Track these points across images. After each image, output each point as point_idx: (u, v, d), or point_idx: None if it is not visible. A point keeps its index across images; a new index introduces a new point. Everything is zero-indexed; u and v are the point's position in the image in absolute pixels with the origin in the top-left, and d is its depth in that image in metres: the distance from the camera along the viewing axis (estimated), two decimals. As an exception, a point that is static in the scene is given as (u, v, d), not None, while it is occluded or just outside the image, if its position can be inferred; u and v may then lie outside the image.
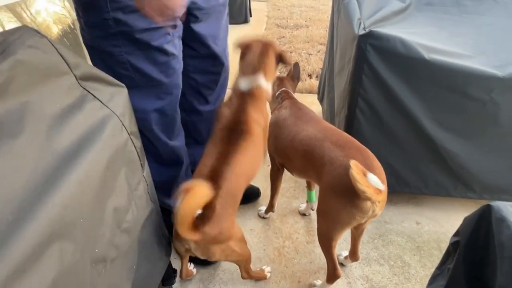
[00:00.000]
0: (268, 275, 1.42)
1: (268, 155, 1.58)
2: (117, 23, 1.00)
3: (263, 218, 1.72)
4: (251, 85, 1.21)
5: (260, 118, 1.22)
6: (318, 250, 1.54)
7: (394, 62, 1.41)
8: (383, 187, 1.06)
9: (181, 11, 1.05)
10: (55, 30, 2.18)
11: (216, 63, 1.40)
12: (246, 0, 4.96)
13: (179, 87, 1.23)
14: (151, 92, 1.15)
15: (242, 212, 1.74)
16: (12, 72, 0.59)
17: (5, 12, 1.75)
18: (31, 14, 1.94)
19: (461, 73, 1.39)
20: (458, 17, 1.73)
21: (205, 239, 0.97)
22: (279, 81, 1.64)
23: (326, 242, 1.23)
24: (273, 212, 1.70)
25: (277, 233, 1.64)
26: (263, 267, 1.44)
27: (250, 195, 1.80)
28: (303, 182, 1.92)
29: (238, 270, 1.35)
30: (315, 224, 1.49)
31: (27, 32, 0.67)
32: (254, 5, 5.65)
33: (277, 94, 1.58)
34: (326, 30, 4.61)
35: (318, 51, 3.91)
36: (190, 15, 1.21)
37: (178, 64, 1.19)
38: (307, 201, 1.73)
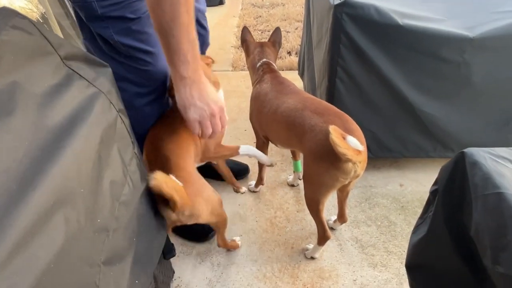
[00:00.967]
0: (239, 243, 1.50)
1: (253, 130, 1.62)
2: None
3: (254, 192, 1.77)
4: None
5: None
6: (308, 218, 1.60)
7: (370, 30, 1.45)
8: (362, 148, 1.12)
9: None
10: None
11: None
12: (220, -19, 4.90)
13: None
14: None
15: (232, 188, 1.78)
16: (-2, 52, 0.60)
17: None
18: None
19: (434, 36, 1.44)
20: (429, -17, 1.78)
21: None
22: (260, 48, 1.62)
23: (314, 206, 1.29)
24: (262, 185, 1.76)
25: (268, 205, 1.69)
26: (234, 238, 1.51)
27: (240, 172, 1.84)
28: (289, 155, 1.97)
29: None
30: (303, 194, 1.55)
31: (8, 13, 0.68)
32: (228, -14, 5.57)
33: (258, 65, 1.58)
34: (302, 7, 4.60)
35: (296, 28, 3.92)
36: None
37: None
38: (294, 171, 1.78)
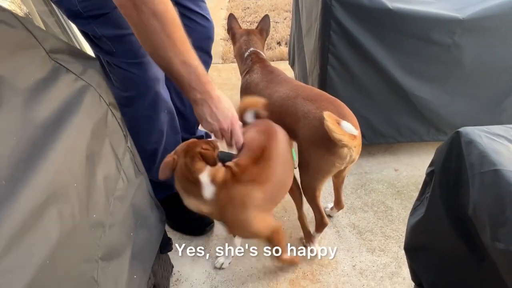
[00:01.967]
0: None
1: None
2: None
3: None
4: None
5: None
6: (306, 206, 1.60)
7: (360, 15, 1.44)
8: (357, 132, 1.12)
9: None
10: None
11: None
12: (206, -27, 4.83)
13: None
14: None
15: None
16: (-19, 46, 0.58)
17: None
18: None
19: (424, 19, 1.43)
20: (417, -34, 1.77)
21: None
22: (246, 36, 1.57)
23: (311, 193, 1.29)
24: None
25: (265, 195, 1.69)
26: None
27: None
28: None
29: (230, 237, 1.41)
30: (299, 182, 1.55)
31: (-12, 6, 0.65)
32: (214, -22, 5.50)
33: (246, 55, 1.54)
34: (290, -3, 4.57)
35: (285, 19, 3.89)
36: None
37: None
38: None
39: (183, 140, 1.58)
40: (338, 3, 1.42)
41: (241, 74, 1.57)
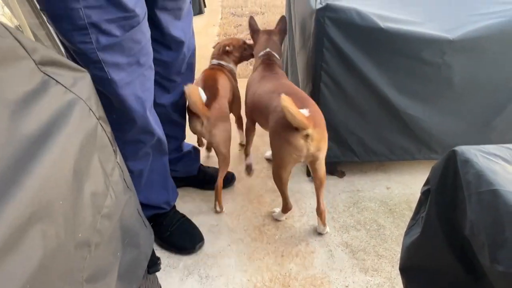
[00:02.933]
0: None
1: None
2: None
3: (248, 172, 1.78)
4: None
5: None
6: (298, 224, 1.58)
7: (352, 33, 1.45)
8: (308, 114, 1.25)
9: None
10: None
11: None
12: (199, -10, 4.89)
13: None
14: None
15: (219, 197, 1.74)
16: (-34, 56, 0.56)
17: None
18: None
19: (415, 39, 1.45)
20: (407, -12, 1.80)
21: (212, 114, 1.46)
22: (267, 36, 1.72)
23: (277, 180, 1.44)
24: (247, 155, 1.77)
25: (256, 213, 1.66)
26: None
27: (225, 180, 1.80)
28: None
29: (222, 252, 1.37)
30: (292, 200, 1.54)
31: (-24, 15, 0.63)
32: (207, -4, 5.57)
33: (260, 54, 1.69)
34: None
35: (276, 36, 3.94)
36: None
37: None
38: None
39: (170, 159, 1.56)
40: (331, 21, 1.44)
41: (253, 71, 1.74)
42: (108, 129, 0.87)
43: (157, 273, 1.25)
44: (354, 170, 1.89)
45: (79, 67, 0.84)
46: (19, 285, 0.46)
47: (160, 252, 1.46)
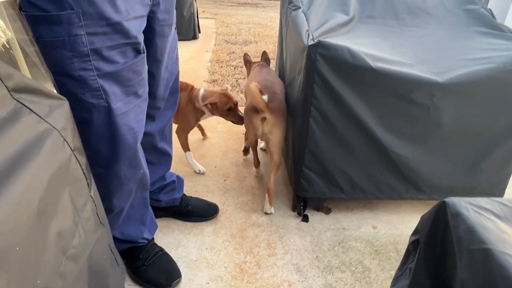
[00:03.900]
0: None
1: None
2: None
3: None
4: None
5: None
6: (281, 263, 1.52)
7: (343, 71, 1.45)
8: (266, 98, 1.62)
9: None
10: (-13, 51, 2.01)
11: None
12: (194, 16, 4.95)
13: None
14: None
15: (200, 229, 1.68)
16: None
17: None
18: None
19: (405, 80, 1.46)
20: (398, 29, 1.84)
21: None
22: (257, 63, 2.19)
23: (252, 143, 1.93)
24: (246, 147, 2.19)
25: (238, 248, 1.59)
26: None
27: (208, 212, 1.74)
28: (261, 195, 1.90)
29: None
30: (276, 236, 1.48)
31: None
32: (202, 22, 5.65)
33: (254, 66, 2.16)
34: (275, 46, 4.71)
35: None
36: None
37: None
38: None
39: (153, 189, 1.50)
40: (322, 58, 1.44)
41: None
42: (83, 160, 0.82)
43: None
44: (340, 207, 1.85)
45: (57, 94, 0.80)
46: None
47: (133, 288, 1.38)
